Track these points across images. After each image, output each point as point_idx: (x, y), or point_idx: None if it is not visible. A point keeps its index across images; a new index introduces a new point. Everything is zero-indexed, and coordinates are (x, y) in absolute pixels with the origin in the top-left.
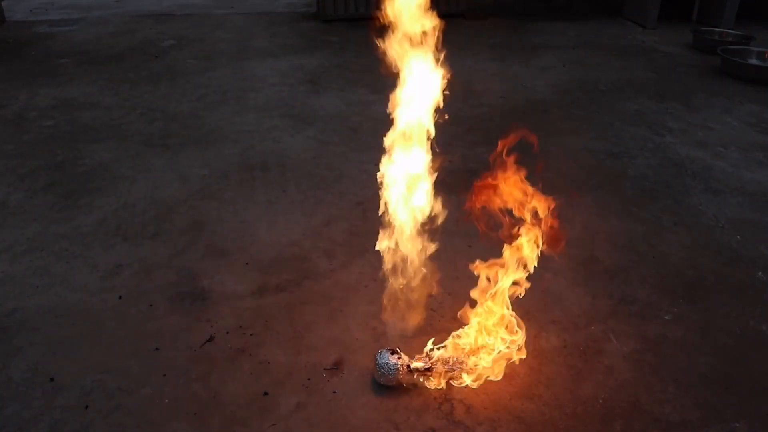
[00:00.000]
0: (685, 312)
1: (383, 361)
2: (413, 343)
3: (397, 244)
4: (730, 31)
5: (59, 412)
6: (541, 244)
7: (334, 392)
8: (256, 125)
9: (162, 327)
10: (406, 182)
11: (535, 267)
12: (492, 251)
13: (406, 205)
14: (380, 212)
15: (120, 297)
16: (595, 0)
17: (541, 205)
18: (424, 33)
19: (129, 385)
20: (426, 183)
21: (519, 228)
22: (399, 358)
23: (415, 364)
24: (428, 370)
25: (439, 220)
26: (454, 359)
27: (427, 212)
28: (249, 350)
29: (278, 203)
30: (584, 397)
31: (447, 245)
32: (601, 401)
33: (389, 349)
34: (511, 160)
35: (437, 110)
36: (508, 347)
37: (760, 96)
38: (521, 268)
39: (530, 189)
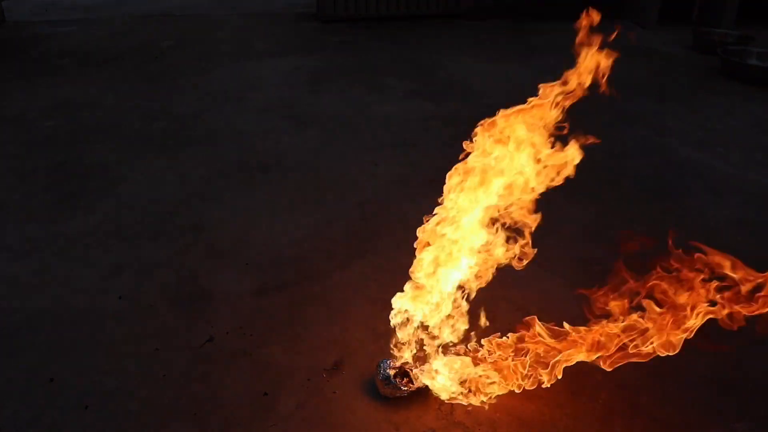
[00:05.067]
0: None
1: (385, 375)
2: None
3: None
4: (730, 31)
5: (59, 412)
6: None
7: (334, 392)
8: (256, 125)
9: (162, 327)
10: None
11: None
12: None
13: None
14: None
15: (120, 297)
16: (595, 0)
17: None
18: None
19: (129, 386)
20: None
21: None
22: (397, 372)
23: (418, 376)
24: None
25: None
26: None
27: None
28: (249, 350)
29: (278, 203)
30: (584, 398)
31: None
32: (601, 401)
33: (390, 365)
34: None
35: None
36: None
37: (760, 96)
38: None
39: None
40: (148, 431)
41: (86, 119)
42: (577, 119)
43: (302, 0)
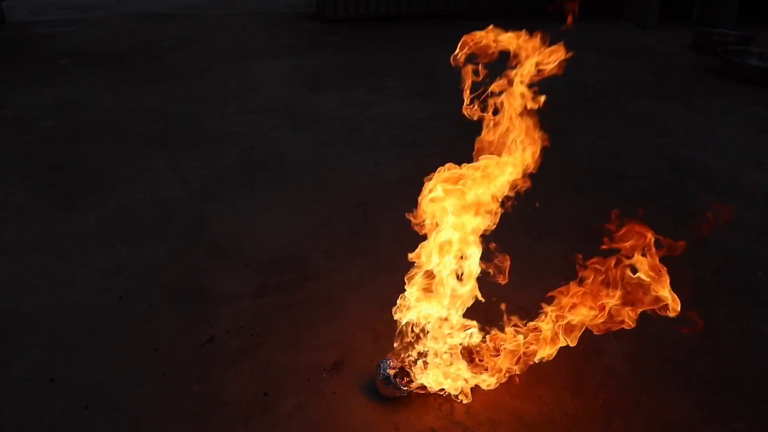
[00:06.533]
0: (685, 312)
1: (385, 375)
2: None
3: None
4: (730, 31)
5: (59, 412)
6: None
7: (334, 392)
8: (257, 126)
9: (162, 327)
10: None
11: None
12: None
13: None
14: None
15: (120, 297)
16: (595, 0)
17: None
18: None
19: (129, 386)
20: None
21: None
22: (397, 372)
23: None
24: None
25: None
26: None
27: None
28: (249, 350)
29: (278, 203)
30: (584, 398)
31: None
32: (601, 402)
33: (390, 365)
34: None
35: None
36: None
37: (760, 97)
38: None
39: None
40: (148, 431)
41: (86, 119)
42: (577, 119)
43: (302, 0)
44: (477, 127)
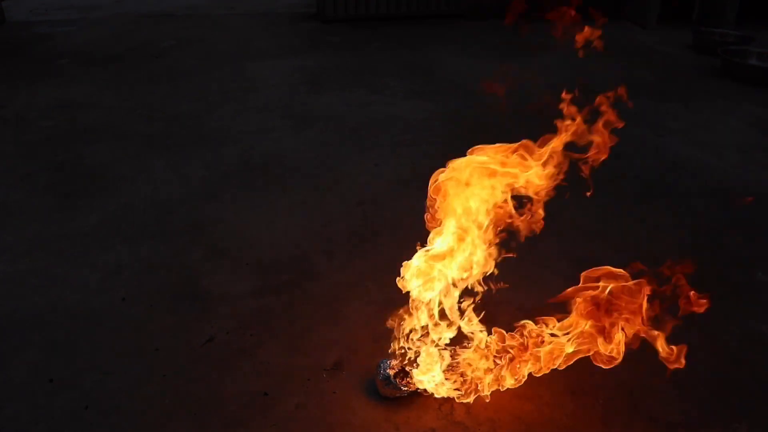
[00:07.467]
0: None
1: (385, 375)
2: None
3: None
4: (730, 31)
5: (59, 412)
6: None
7: (334, 392)
8: (257, 126)
9: (162, 327)
10: None
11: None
12: None
13: None
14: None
15: (123, 299)
16: (595, 1)
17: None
18: None
19: (129, 386)
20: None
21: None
22: (397, 372)
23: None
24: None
25: None
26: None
27: None
28: (249, 350)
29: (278, 203)
30: (584, 398)
31: None
32: (601, 401)
33: (390, 365)
34: None
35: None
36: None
37: (760, 97)
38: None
39: None
40: (148, 431)
41: (86, 119)
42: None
43: (302, 0)
44: (474, 128)
